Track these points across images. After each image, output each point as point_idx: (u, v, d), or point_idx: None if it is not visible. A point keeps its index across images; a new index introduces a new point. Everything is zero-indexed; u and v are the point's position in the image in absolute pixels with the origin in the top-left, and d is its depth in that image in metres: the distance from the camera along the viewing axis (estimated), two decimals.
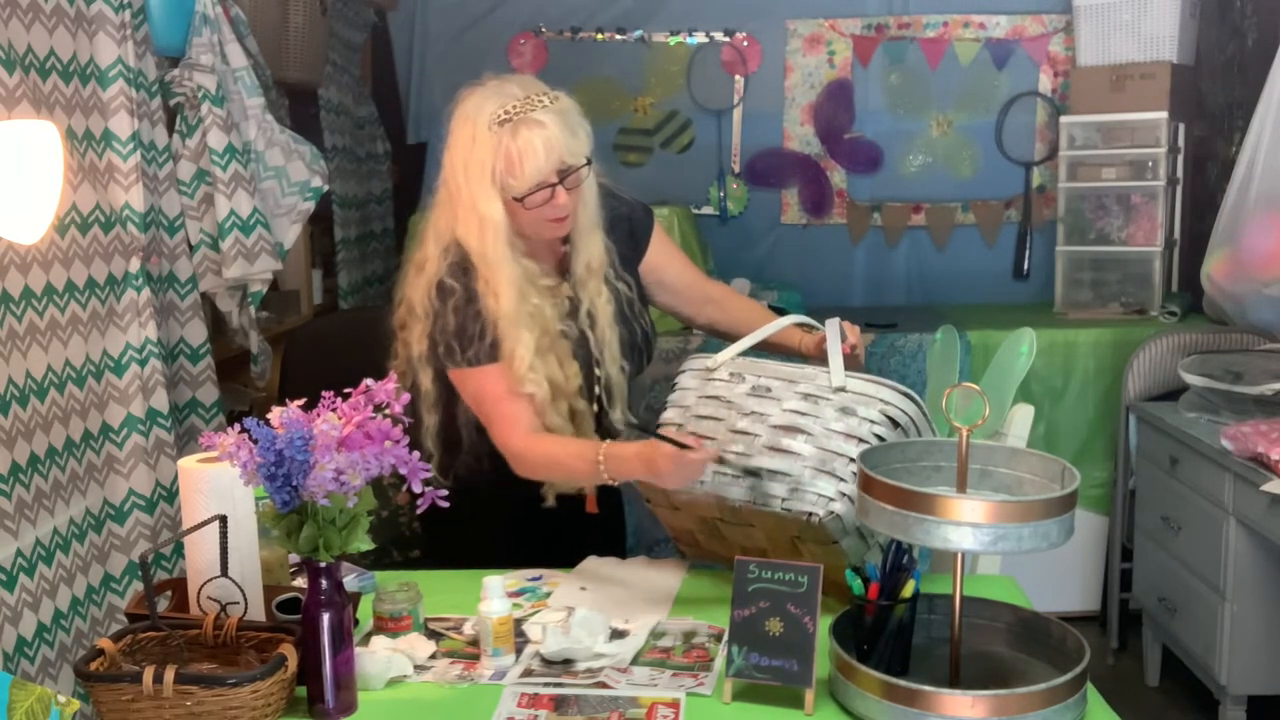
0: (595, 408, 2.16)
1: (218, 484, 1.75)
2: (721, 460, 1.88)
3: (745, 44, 4.71)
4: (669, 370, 3.78)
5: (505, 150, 1.98)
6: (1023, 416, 2.21)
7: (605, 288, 2.14)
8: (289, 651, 1.59)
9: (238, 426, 1.58)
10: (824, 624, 1.63)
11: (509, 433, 2.06)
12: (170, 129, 2.59)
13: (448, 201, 2.08)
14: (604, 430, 2.16)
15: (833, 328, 2.02)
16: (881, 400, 1.86)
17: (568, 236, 2.13)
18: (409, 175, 4.69)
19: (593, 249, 2.13)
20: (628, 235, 2.24)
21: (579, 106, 2.07)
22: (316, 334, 3.39)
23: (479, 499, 2.09)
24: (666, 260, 2.30)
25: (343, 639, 1.61)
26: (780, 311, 2.33)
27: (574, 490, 2.15)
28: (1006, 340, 2.28)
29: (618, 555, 2.24)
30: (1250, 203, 3.42)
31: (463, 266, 2.07)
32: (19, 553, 1.95)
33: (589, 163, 2.05)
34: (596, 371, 2.15)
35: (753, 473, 1.87)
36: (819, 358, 2.04)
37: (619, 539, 2.42)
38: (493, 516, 2.18)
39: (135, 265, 2.33)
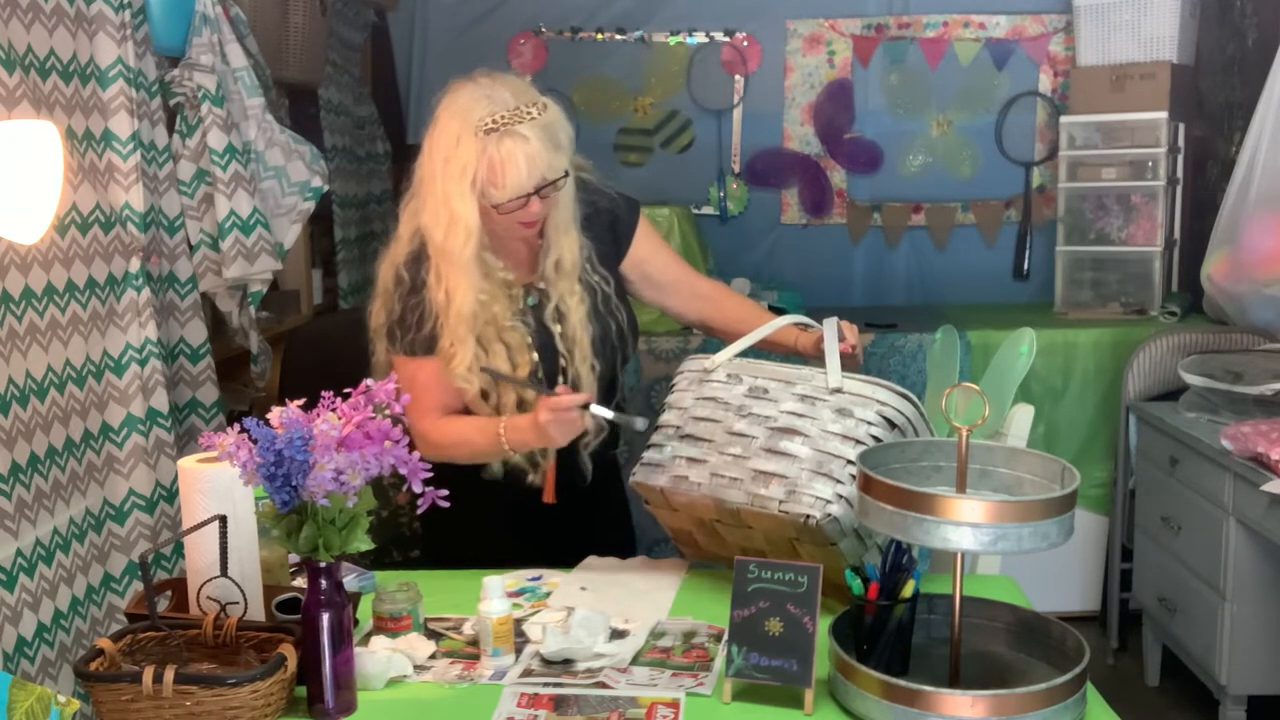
0: None
1: (218, 484, 1.75)
2: (588, 406, 1.97)
3: (745, 44, 4.71)
4: (669, 370, 3.79)
5: (489, 159, 1.99)
6: (1023, 416, 2.21)
7: (578, 285, 2.15)
8: (289, 651, 1.59)
9: (238, 426, 1.58)
10: (824, 624, 1.63)
11: (422, 415, 2.09)
12: (170, 129, 2.59)
13: (419, 188, 2.11)
14: None
15: (830, 327, 2.02)
16: (878, 401, 1.86)
17: (542, 231, 2.14)
18: (409, 175, 4.69)
19: (564, 247, 2.14)
20: (608, 230, 2.24)
21: (564, 114, 2.09)
22: (316, 334, 3.39)
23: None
24: (651, 254, 2.29)
25: (342, 639, 1.61)
26: (779, 311, 2.33)
27: (534, 480, 2.16)
28: (1006, 340, 2.27)
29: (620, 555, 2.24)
30: (1250, 203, 3.42)
31: (417, 257, 2.11)
32: (19, 553, 1.95)
33: (567, 174, 2.07)
34: (563, 363, 2.15)
35: (627, 423, 1.98)
36: (817, 357, 2.05)
37: (627, 541, 2.42)
38: (487, 508, 2.18)
39: (135, 265, 2.33)
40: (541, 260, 2.15)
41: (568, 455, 2.17)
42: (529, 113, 2.00)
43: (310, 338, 3.29)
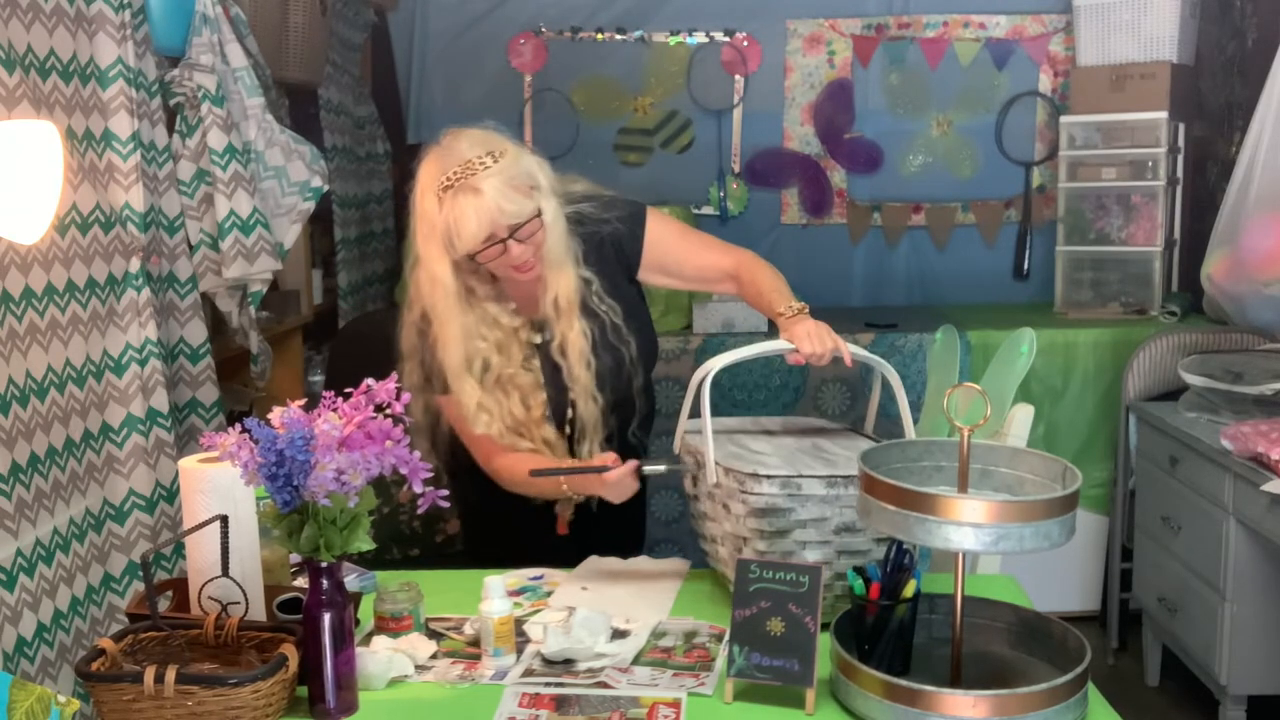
0: (569, 431, 2.21)
1: (218, 484, 1.75)
2: (641, 469, 2.04)
3: (745, 44, 4.70)
4: (669, 370, 3.80)
5: (445, 216, 2.04)
6: (1023, 416, 2.21)
7: (579, 321, 2.16)
8: (290, 651, 1.59)
9: (238, 426, 1.58)
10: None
11: (484, 456, 2.20)
12: (170, 129, 2.59)
13: (411, 250, 2.16)
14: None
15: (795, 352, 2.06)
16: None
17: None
18: (409, 175, 4.69)
19: (561, 285, 2.15)
20: (614, 256, 2.23)
21: (533, 155, 2.11)
22: (354, 333, 3.52)
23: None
24: (663, 255, 2.28)
25: (344, 639, 1.61)
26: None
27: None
28: (1006, 340, 2.28)
29: (634, 552, 2.26)
30: (1250, 203, 3.42)
31: (426, 315, 2.17)
32: (19, 553, 1.94)
33: (539, 214, 2.07)
34: (571, 397, 2.18)
35: (679, 470, 2.03)
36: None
37: (635, 540, 2.42)
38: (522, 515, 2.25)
39: (135, 265, 2.33)
40: (541, 299, 2.16)
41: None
42: (482, 163, 2.01)
43: (352, 335, 3.45)
